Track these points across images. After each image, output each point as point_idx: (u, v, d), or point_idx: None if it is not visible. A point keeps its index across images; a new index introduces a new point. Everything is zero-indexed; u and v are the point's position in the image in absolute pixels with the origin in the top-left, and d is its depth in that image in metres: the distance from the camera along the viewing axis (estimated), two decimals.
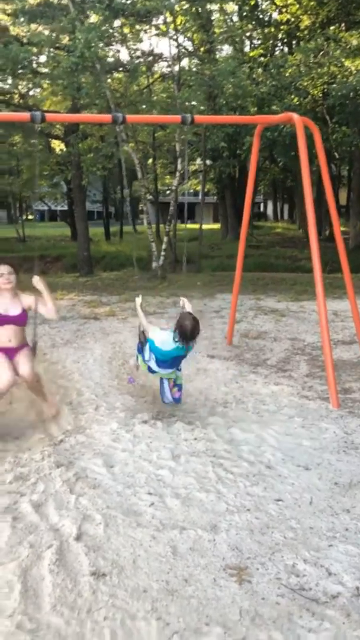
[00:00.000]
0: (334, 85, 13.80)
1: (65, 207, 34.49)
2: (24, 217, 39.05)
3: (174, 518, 3.02)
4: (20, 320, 4.31)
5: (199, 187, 21.71)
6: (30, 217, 44.94)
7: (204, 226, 19.20)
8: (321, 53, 14.05)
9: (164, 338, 4.32)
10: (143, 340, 4.59)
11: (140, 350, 4.63)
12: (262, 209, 51.70)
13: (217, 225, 33.67)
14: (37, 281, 4.34)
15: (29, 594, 2.42)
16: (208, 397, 5.14)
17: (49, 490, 3.31)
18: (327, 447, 3.97)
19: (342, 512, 3.10)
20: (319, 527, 2.96)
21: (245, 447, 3.94)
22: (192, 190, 42.81)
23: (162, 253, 14.72)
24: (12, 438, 4.14)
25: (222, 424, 4.39)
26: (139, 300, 4.92)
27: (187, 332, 4.13)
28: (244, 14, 20.37)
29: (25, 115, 5.35)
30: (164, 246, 14.84)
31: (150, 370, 4.56)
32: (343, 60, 14.23)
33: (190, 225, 39.59)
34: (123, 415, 4.56)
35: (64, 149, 21.68)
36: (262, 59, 19.08)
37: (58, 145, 25.42)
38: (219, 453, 3.84)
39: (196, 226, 20.46)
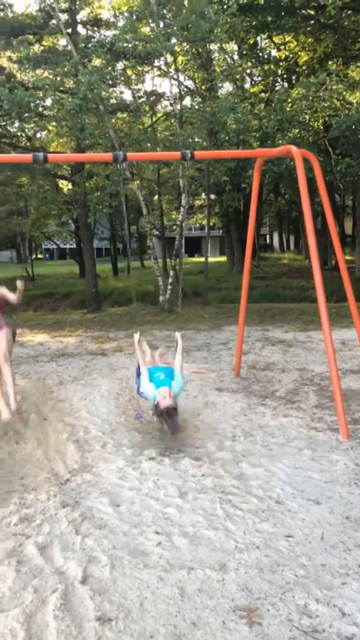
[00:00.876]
0: (337, 118, 14.12)
1: (74, 245, 35.04)
2: (33, 256, 39.71)
3: (182, 558, 2.95)
4: None
5: (205, 221, 21.96)
6: (39, 256, 45.74)
7: (210, 259, 19.36)
8: (323, 87, 14.42)
9: (147, 389, 4.73)
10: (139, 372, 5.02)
11: (138, 387, 4.96)
12: (268, 240, 52.14)
13: (223, 258, 33.94)
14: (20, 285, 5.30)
15: None
16: (216, 431, 5.09)
17: (55, 532, 3.25)
18: (337, 480, 3.89)
19: (354, 548, 3.01)
20: (331, 564, 2.87)
21: (254, 482, 3.87)
22: (197, 225, 43.47)
23: (169, 287, 14.82)
24: (18, 478, 4.10)
25: (230, 459, 4.33)
26: (137, 336, 5.12)
27: (162, 411, 4.49)
28: (244, 52, 21.04)
29: (28, 157, 5.51)
30: (170, 280, 14.95)
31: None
32: (345, 93, 14.60)
33: (196, 259, 40.05)
34: (130, 452, 4.52)
35: (71, 189, 22.20)
36: (262, 95, 19.60)
37: (66, 185, 26.05)
38: (228, 489, 3.77)
39: (202, 259, 20.63)
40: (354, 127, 13.81)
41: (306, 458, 4.30)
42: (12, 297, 5.22)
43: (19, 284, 5.28)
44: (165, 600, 2.60)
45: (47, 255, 56.67)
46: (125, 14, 15.80)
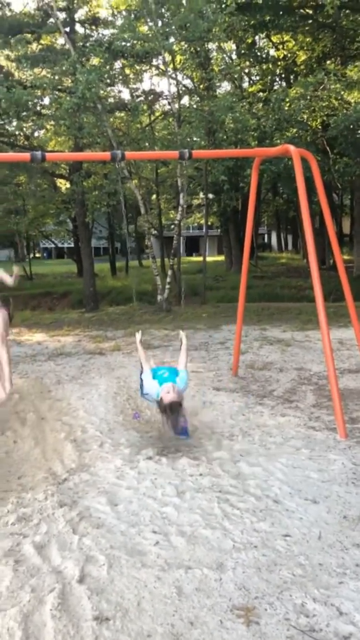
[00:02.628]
0: (335, 118, 14.14)
1: (72, 244, 35.04)
2: (31, 255, 39.67)
3: (179, 557, 2.95)
4: None
5: (203, 221, 21.97)
6: (37, 255, 45.69)
7: (208, 258, 19.36)
8: (321, 87, 14.44)
9: (150, 387, 4.58)
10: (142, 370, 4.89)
11: (140, 387, 4.85)
12: (266, 239, 52.17)
13: (221, 257, 33.94)
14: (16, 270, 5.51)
15: None
16: (214, 431, 5.08)
17: (52, 531, 3.24)
18: (335, 479, 3.88)
19: (352, 547, 3.01)
20: (328, 563, 2.87)
21: (251, 481, 3.87)
22: (196, 224, 43.47)
23: (167, 286, 14.82)
24: (15, 477, 4.10)
25: (228, 458, 4.33)
26: (139, 335, 5.03)
27: (165, 406, 4.33)
28: (242, 51, 21.04)
29: (26, 156, 5.50)
30: (168, 279, 14.95)
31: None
32: (342, 93, 14.62)
33: (194, 258, 40.03)
34: (128, 452, 4.51)
35: (69, 187, 22.18)
36: (261, 94, 19.61)
37: (64, 184, 26.02)
38: (225, 488, 3.77)
39: (200, 259, 20.64)
40: (352, 126, 13.83)
41: (304, 457, 4.30)
42: (9, 279, 5.40)
43: (15, 268, 5.50)
44: (163, 599, 2.60)
45: (44, 255, 56.60)
46: (124, 12, 15.80)
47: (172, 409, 4.27)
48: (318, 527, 3.22)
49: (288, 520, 3.32)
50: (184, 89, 18.62)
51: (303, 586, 2.67)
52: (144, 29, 14.23)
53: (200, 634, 2.37)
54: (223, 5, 14.06)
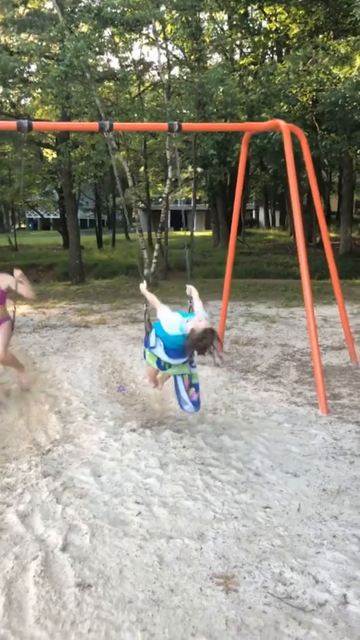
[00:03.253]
0: (323, 93, 13.97)
1: (58, 216, 34.53)
2: (17, 226, 39.04)
3: (161, 527, 3.00)
4: (1, 299, 4.96)
5: (191, 195, 21.79)
6: (22, 225, 44.98)
7: (196, 233, 19.27)
8: (310, 61, 14.22)
9: (171, 321, 3.87)
10: (149, 329, 4.30)
11: (147, 342, 4.23)
12: (254, 216, 51.95)
13: (209, 233, 33.79)
14: (19, 275, 4.87)
15: (13, 607, 2.39)
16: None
17: (36, 501, 3.28)
18: (315, 454, 3.96)
19: (330, 519, 3.09)
20: (306, 534, 2.95)
21: (234, 454, 3.93)
22: (184, 198, 43.05)
23: (154, 260, 14.74)
24: (0, 448, 4.10)
25: (211, 432, 4.38)
26: (143, 285, 4.66)
27: (201, 333, 3.65)
28: (234, 22, 20.57)
29: (12, 124, 5.34)
30: (155, 254, 14.86)
31: (159, 365, 4.12)
32: (332, 68, 14.41)
33: (182, 233, 39.78)
34: (112, 424, 4.54)
35: (56, 158, 21.75)
36: (252, 67, 19.26)
37: (50, 154, 25.50)
38: (208, 461, 3.83)
39: (188, 233, 20.52)
40: (340, 101, 13.65)
41: (285, 432, 4.38)
42: (26, 292, 4.92)
43: (17, 272, 4.87)
44: (144, 567, 2.66)
45: (30, 225, 55.72)
46: None
47: (213, 335, 3.66)
48: (298, 500, 3.30)
49: (268, 492, 3.39)
50: (174, 59, 18.22)
51: (281, 556, 2.74)
52: None
53: (180, 600, 2.43)
54: None
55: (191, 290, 4.44)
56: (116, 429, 4.43)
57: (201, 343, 3.62)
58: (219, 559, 2.72)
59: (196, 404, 4.18)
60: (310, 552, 2.79)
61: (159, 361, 4.12)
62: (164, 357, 4.00)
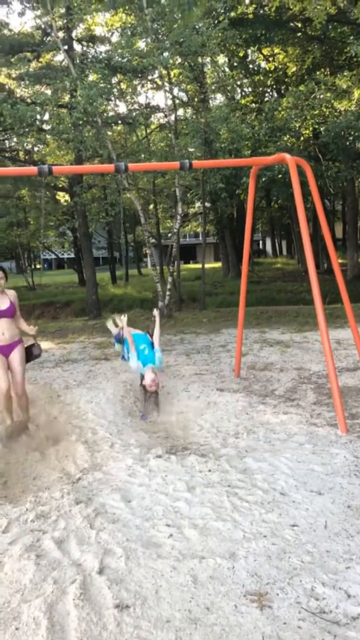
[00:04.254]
0: (325, 125, 14.45)
1: (72, 255, 35.28)
2: (33, 267, 39.90)
3: (193, 548, 3.06)
4: (9, 312, 5.14)
5: (200, 229, 22.20)
6: (38, 266, 45.94)
7: (206, 265, 19.57)
8: (312, 96, 14.76)
9: (134, 365, 5.78)
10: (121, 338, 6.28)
11: (123, 356, 6.15)
12: (261, 246, 52.52)
13: (218, 264, 34.18)
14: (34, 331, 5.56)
15: (56, 629, 2.45)
16: (220, 429, 5.21)
17: (70, 527, 3.36)
18: (338, 472, 4.02)
19: (356, 535, 3.14)
20: (335, 550, 3.00)
21: (258, 475, 4.00)
22: (192, 232, 43.77)
23: (167, 293, 15.01)
24: (31, 479, 4.23)
25: (234, 455, 4.46)
26: (124, 318, 6.05)
27: (149, 394, 5.87)
28: (234, 64, 21.39)
29: (33, 169, 5.66)
30: (168, 286, 15.15)
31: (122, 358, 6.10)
32: (333, 101, 14.94)
33: (191, 265, 40.23)
34: (138, 451, 4.64)
35: (69, 200, 22.42)
36: (253, 105, 19.95)
37: (63, 197, 26.28)
38: (234, 483, 3.90)
39: (199, 266, 20.84)
40: (342, 133, 14.14)
41: (307, 452, 4.43)
42: (30, 330, 5.52)
43: (34, 328, 5.57)
44: (179, 587, 2.71)
45: (45, 266, 56.80)
46: (119, 30, 16.13)
47: (150, 395, 5.73)
48: (324, 517, 3.36)
49: (295, 511, 3.45)
50: (179, 101, 18.94)
51: (312, 572, 2.79)
52: (140, 44, 14.54)
53: (217, 618, 2.48)
54: (216, 21, 14.39)
55: (156, 316, 6.12)
56: (142, 455, 4.53)
57: (145, 395, 5.81)
58: (251, 576, 2.77)
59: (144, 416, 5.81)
60: (340, 568, 2.83)
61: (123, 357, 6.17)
62: (134, 369, 5.93)
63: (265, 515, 3.41)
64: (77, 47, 17.33)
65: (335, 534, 3.17)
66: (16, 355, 5.19)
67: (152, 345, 5.93)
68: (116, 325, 6.39)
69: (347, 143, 15.42)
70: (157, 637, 2.38)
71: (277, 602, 2.58)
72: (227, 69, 21.61)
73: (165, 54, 13.38)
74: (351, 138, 15.03)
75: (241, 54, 20.37)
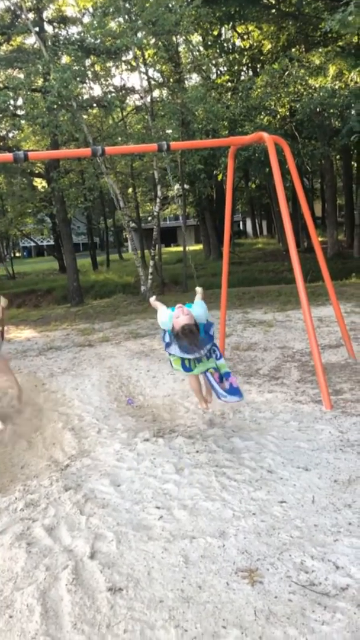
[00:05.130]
0: (301, 102, 14.36)
1: (52, 242, 34.87)
2: (12, 255, 39.38)
3: (183, 528, 3.10)
4: None
5: (180, 212, 22.08)
6: (17, 254, 45.35)
7: (187, 248, 19.52)
8: (286, 73, 14.64)
9: (161, 318, 4.29)
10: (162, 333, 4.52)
11: (165, 344, 4.41)
12: (241, 226, 52.47)
13: (199, 247, 34.08)
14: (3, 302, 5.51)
15: (50, 615, 2.47)
16: (206, 410, 5.23)
17: (60, 514, 3.38)
18: (324, 447, 4.08)
19: (344, 508, 3.20)
20: (323, 524, 3.05)
21: (246, 454, 4.04)
22: (172, 215, 43.53)
23: (150, 277, 14.95)
24: (19, 467, 4.21)
25: (221, 435, 4.50)
26: (152, 298, 4.97)
27: (176, 332, 4.03)
28: (208, 43, 21.08)
29: (8, 156, 5.53)
30: (150, 270, 15.08)
31: (184, 367, 4.24)
32: (307, 78, 14.84)
33: (173, 248, 40.07)
34: (125, 436, 4.65)
35: (46, 186, 22.08)
36: (229, 84, 19.73)
37: (40, 183, 25.86)
38: (221, 462, 3.94)
39: (180, 249, 20.77)
40: (317, 109, 14.07)
41: (293, 429, 4.49)
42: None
43: (3, 300, 5.48)
44: (171, 568, 2.74)
45: (24, 253, 56.06)
46: (91, 9, 15.75)
47: (184, 333, 3.93)
48: (311, 492, 3.41)
49: (283, 487, 3.50)
50: (154, 82, 18.65)
51: (301, 546, 2.85)
52: (112, 25, 14.21)
53: (209, 595, 2.52)
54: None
55: (199, 293, 4.81)
56: (130, 440, 4.54)
57: (181, 337, 3.96)
58: (241, 554, 2.82)
59: (235, 391, 4.22)
60: (328, 541, 2.89)
61: (182, 363, 4.24)
62: (179, 353, 4.13)
63: (254, 493, 3.45)
64: (49, 28, 16.90)
65: (322, 508, 3.23)
66: None
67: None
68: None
69: (323, 120, 15.38)
70: (150, 618, 2.41)
71: (267, 577, 2.63)
72: (201, 48, 21.30)
73: (139, 34, 13.13)
74: (326, 115, 14.98)
75: (215, 32, 20.09)
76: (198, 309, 4.28)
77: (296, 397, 5.40)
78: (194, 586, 2.60)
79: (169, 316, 4.15)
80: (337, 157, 23.44)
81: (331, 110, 14.50)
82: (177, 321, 3.98)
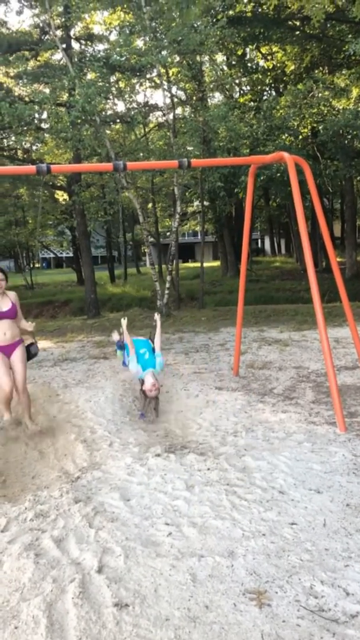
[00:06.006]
0: (324, 124, 14.46)
1: (71, 254, 35.29)
2: (31, 266, 39.92)
3: (192, 546, 3.07)
4: (11, 313, 5.18)
5: (198, 228, 22.21)
6: (37, 265, 45.98)
7: (205, 264, 19.61)
8: (311, 94, 14.77)
9: (135, 369, 5.63)
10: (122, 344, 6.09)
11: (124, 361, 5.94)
12: (259, 244, 52.55)
13: (216, 263, 34.16)
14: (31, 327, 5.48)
15: (55, 628, 2.44)
16: (218, 428, 5.23)
17: (69, 526, 3.36)
18: (337, 470, 4.03)
19: (355, 533, 3.15)
20: (333, 548, 3.00)
21: (257, 474, 4.00)
22: (191, 231, 43.81)
23: (166, 291, 15.02)
24: (30, 478, 4.23)
25: (233, 453, 4.46)
26: (124, 322, 5.86)
27: (149, 399, 5.61)
28: (232, 62, 21.38)
29: (31, 168, 5.65)
30: (167, 285, 15.16)
31: (124, 363, 5.88)
32: (331, 100, 14.95)
33: (191, 264, 40.25)
34: (137, 450, 4.65)
35: (67, 199, 22.44)
36: (251, 103, 19.95)
37: (61, 196, 26.31)
38: (232, 481, 3.90)
39: (197, 265, 20.86)
40: (340, 131, 14.15)
41: (306, 450, 4.44)
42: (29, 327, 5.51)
43: (31, 325, 5.48)
44: (179, 586, 2.71)
45: (44, 264, 56.84)
46: (117, 28, 16.12)
47: (149, 401, 5.56)
48: (322, 515, 3.36)
49: (294, 509, 3.46)
50: (177, 100, 18.93)
51: (311, 570, 2.79)
52: (138, 43, 14.52)
53: (216, 616, 2.48)
54: (215, 19, 14.38)
55: (157, 321, 6.00)
56: (141, 454, 4.53)
57: (145, 401, 5.61)
58: (250, 575, 2.77)
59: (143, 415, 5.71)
60: (339, 566, 2.83)
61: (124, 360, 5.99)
62: (132, 373, 5.84)
63: (264, 513, 3.42)
64: (75, 45, 17.32)
65: (334, 532, 3.18)
66: (18, 355, 5.22)
67: (153, 350, 5.85)
68: (120, 334, 6.25)
69: (346, 142, 15.45)
70: (156, 636, 2.38)
71: (276, 600, 2.58)
72: (225, 68, 21.60)
73: (164, 52, 13.37)
74: (349, 137, 15.05)
75: (239, 52, 20.36)
76: (159, 367, 5.69)
77: (310, 418, 5.35)
78: (200, 606, 2.57)
79: (141, 376, 5.59)
80: (358, 178, 23.43)
81: (354, 132, 14.56)
82: (149, 392, 5.45)
